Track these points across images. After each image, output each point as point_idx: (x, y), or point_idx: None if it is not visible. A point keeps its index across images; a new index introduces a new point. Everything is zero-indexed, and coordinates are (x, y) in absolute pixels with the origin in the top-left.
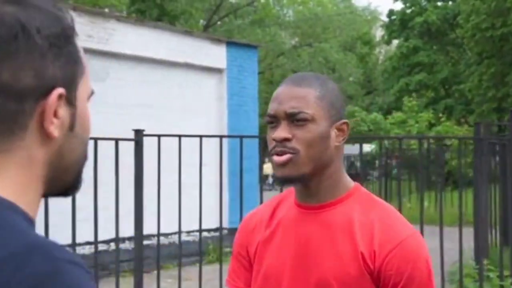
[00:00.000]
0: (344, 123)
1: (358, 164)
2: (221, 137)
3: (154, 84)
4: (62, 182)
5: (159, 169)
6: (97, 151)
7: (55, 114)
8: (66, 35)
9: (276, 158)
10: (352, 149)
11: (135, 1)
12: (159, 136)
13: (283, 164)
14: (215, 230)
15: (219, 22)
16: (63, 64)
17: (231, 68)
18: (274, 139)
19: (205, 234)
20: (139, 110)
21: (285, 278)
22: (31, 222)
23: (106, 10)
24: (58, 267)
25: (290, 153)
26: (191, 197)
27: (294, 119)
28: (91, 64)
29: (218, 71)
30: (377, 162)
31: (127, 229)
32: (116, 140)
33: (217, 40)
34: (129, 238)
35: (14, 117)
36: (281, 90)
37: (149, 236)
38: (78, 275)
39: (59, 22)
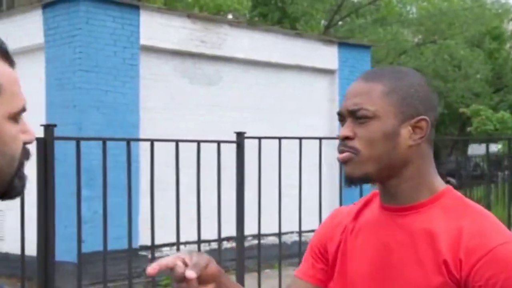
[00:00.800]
0: (421, 119)
1: (483, 165)
2: (320, 139)
3: (266, 86)
4: None
5: (260, 171)
6: (200, 154)
7: None
8: None
9: (338, 155)
10: (478, 149)
11: (257, 5)
12: (259, 138)
13: (344, 162)
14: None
15: (340, 22)
16: None
17: (342, 69)
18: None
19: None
20: (252, 113)
21: (365, 285)
22: None
23: (230, 15)
24: None
25: (350, 152)
26: (304, 199)
27: (356, 116)
28: (204, 69)
29: (330, 72)
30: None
31: (230, 229)
32: (218, 143)
33: (328, 41)
34: (231, 238)
35: None
36: (350, 87)
37: (254, 236)
38: None
39: None
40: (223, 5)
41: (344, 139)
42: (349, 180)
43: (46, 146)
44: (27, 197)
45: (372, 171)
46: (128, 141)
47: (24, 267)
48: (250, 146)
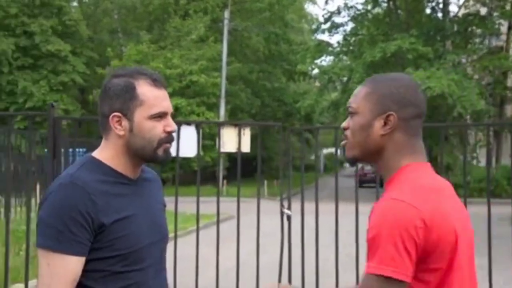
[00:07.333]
0: (389, 115)
1: None
2: None
3: None
4: (141, 155)
5: None
6: None
7: (120, 124)
8: (127, 88)
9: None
10: None
11: None
12: None
13: (343, 147)
14: None
15: None
16: (122, 101)
17: None
18: None
19: None
20: None
21: None
22: (115, 171)
23: None
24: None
25: (345, 139)
26: None
27: (348, 112)
28: None
29: None
30: None
31: None
32: None
33: None
34: None
35: (105, 125)
36: None
37: None
38: None
39: (124, 83)
40: None
41: (344, 129)
42: (347, 160)
43: None
44: None
45: (357, 154)
46: None
47: None
48: None
